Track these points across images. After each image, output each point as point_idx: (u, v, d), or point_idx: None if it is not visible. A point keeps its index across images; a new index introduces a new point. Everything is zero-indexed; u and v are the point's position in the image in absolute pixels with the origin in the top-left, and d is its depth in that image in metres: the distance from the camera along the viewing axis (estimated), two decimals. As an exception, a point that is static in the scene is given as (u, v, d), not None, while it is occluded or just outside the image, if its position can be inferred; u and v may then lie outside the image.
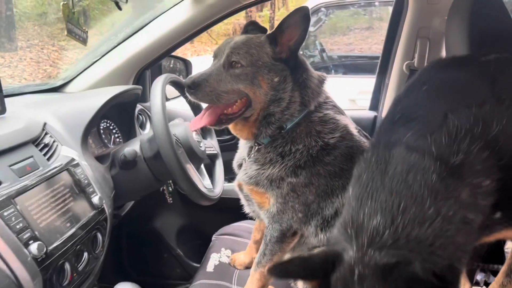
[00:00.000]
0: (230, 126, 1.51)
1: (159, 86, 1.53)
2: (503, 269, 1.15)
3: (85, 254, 1.29)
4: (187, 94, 1.43)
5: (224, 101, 1.40)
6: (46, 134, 1.41)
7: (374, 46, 7.55)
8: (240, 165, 1.56)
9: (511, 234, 1.04)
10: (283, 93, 1.41)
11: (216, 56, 1.47)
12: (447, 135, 0.92)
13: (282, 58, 1.41)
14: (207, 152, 1.79)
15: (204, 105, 1.52)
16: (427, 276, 0.76)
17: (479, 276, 1.83)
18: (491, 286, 1.18)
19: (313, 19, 5.38)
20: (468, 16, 1.41)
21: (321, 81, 1.49)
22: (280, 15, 10.86)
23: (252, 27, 1.60)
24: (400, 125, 1.02)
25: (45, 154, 1.33)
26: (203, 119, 1.45)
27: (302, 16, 1.35)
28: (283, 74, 1.41)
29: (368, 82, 3.77)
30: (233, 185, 1.65)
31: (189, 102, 1.85)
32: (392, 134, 1.01)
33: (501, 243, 1.48)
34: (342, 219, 0.95)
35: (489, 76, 1.06)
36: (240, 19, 10.09)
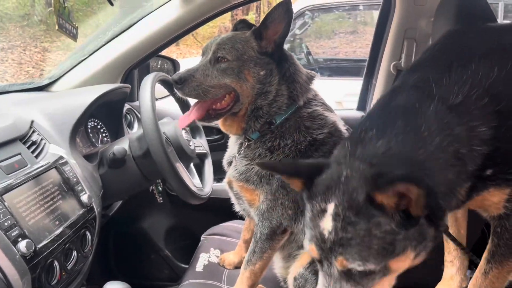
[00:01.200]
0: (220, 123, 1.52)
1: (148, 84, 1.53)
2: (484, 256, 1.16)
3: (74, 252, 1.27)
4: (175, 90, 1.44)
5: (211, 95, 1.42)
6: (33, 131, 1.40)
7: (359, 50, 7.64)
8: (230, 163, 1.57)
9: (497, 197, 1.06)
10: (269, 86, 1.43)
11: (203, 53, 1.49)
12: (449, 79, 0.99)
13: (267, 52, 1.44)
14: (196, 151, 1.78)
15: (192, 103, 1.53)
16: (417, 176, 0.80)
17: (467, 273, 1.86)
18: (474, 275, 1.19)
19: (298, 23, 5.42)
20: (453, 18, 1.44)
21: (310, 78, 1.51)
22: (266, 18, 10.85)
23: (242, 25, 1.62)
24: (406, 74, 1.11)
25: (33, 152, 1.32)
26: (191, 114, 1.46)
27: (284, 10, 1.38)
28: (269, 68, 1.43)
29: (353, 84, 3.82)
30: (222, 185, 1.65)
31: (178, 100, 1.84)
32: (401, 79, 1.09)
33: (487, 236, 1.50)
34: (343, 140, 1.03)
35: (495, 33, 1.15)
36: (226, 22, 10.10)
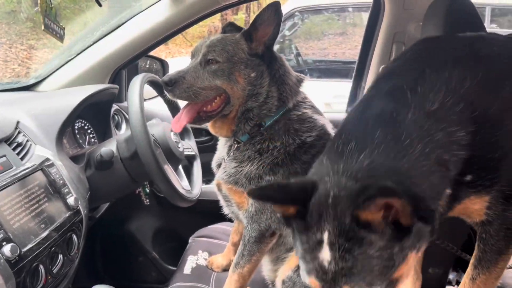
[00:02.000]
0: (209, 125, 1.52)
1: (137, 85, 1.52)
2: (471, 261, 1.17)
3: (60, 256, 1.25)
4: (165, 92, 1.43)
5: (202, 97, 1.41)
6: (19, 133, 1.37)
7: (348, 52, 7.67)
8: (219, 165, 1.56)
9: (478, 205, 1.06)
10: (260, 88, 1.43)
11: (193, 55, 1.49)
12: (423, 86, 0.98)
13: (258, 53, 1.44)
14: (185, 153, 1.77)
15: (182, 105, 1.52)
16: (404, 188, 0.77)
17: (451, 276, 1.88)
18: (462, 281, 1.20)
19: (288, 24, 5.43)
20: (442, 22, 1.45)
21: (300, 80, 1.51)
22: (255, 19, 10.85)
23: (230, 28, 1.61)
24: (380, 82, 1.09)
25: (18, 154, 1.30)
26: (182, 118, 1.45)
27: (274, 11, 1.38)
28: (260, 69, 1.43)
29: (341, 86, 3.84)
30: (211, 187, 1.64)
31: (167, 102, 1.83)
32: (374, 89, 1.08)
33: (472, 238, 1.52)
34: (321, 155, 0.97)
35: (467, 41, 1.15)
36: (215, 21, 10.06)
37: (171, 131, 1.69)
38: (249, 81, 1.42)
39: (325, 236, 0.82)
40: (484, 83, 1.01)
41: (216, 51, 1.41)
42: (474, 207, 1.08)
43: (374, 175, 0.84)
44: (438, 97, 0.96)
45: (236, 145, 1.48)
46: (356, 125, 0.98)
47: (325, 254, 0.82)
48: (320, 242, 0.83)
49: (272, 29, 1.41)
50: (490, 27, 4.94)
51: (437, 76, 1.00)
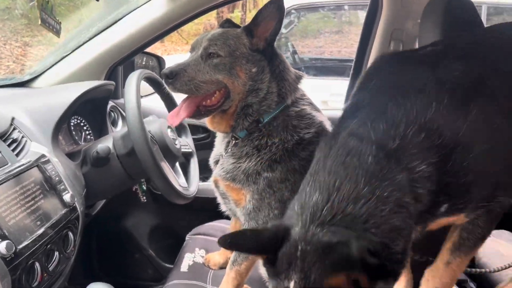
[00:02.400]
0: (207, 120, 1.50)
1: (133, 81, 1.50)
2: (447, 246, 1.17)
3: (56, 253, 1.24)
4: (165, 85, 1.41)
5: (203, 91, 1.40)
6: (14, 129, 1.36)
7: (344, 50, 7.67)
8: (216, 162, 1.55)
9: (454, 219, 1.08)
10: (261, 84, 1.42)
11: (193, 48, 1.47)
12: (386, 122, 0.98)
13: (259, 49, 1.43)
14: (182, 150, 1.76)
15: (179, 100, 1.50)
16: (362, 255, 0.81)
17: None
18: (433, 265, 1.20)
19: (285, 21, 5.42)
20: (440, 20, 1.45)
21: (298, 77, 1.51)
22: (251, 16, 10.84)
23: (227, 24, 1.60)
24: (349, 116, 1.09)
25: (13, 150, 1.28)
26: (181, 112, 1.43)
27: (276, 7, 1.38)
28: (261, 65, 1.42)
29: (338, 84, 3.84)
30: (208, 184, 1.63)
31: (164, 99, 1.82)
32: (342, 124, 1.08)
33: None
34: (294, 198, 1.01)
35: (429, 64, 1.13)
36: (211, 19, 10.02)
37: (168, 127, 1.68)
38: (250, 76, 1.41)
39: (291, 285, 0.87)
40: (450, 107, 1.00)
41: (218, 45, 1.39)
42: (451, 220, 1.09)
43: (337, 231, 0.87)
44: (399, 131, 0.96)
45: (234, 141, 1.47)
46: (321, 171, 0.99)
47: None
48: None
49: (274, 25, 1.40)
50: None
51: (398, 109, 1.00)
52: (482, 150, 1.01)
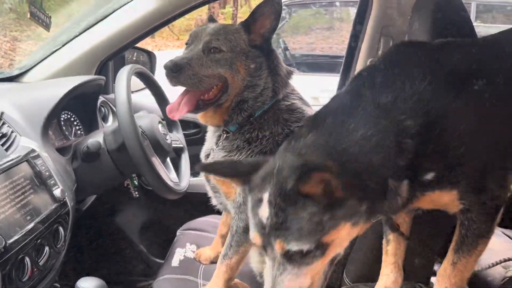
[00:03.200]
0: (199, 114, 1.50)
1: (124, 77, 1.50)
2: (451, 247, 1.18)
3: (46, 248, 1.24)
4: (167, 78, 1.40)
5: (206, 85, 1.41)
6: (3, 123, 1.35)
7: (335, 46, 7.69)
8: (207, 156, 1.56)
9: (447, 198, 1.09)
10: (258, 80, 1.44)
11: (192, 41, 1.46)
12: (381, 83, 1.06)
13: (257, 45, 1.44)
14: (173, 145, 1.76)
15: (173, 97, 1.50)
16: (332, 167, 0.87)
17: (436, 267, 1.90)
18: (442, 266, 1.22)
19: (276, 17, 5.42)
20: (430, 16, 1.46)
21: (289, 72, 1.53)
22: (243, 12, 10.83)
23: (212, 22, 1.60)
24: (352, 81, 1.18)
25: (3, 145, 1.28)
26: (183, 106, 1.44)
27: (274, 4, 1.39)
28: (259, 61, 1.44)
29: (329, 80, 3.85)
30: (199, 180, 1.64)
31: (154, 94, 1.82)
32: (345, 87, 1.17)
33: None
34: None
35: (435, 48, 1.19)
36: (202, 15, 9.98)
37: (159, 123, 1.68)
38: (249, 72, 1.43)
39: (265, 196, 0.93)
40: (445, 81, 1.06)
41: (220, 40, 1.40)
42: (443, 200, 1.10)
43: (313, 153, 0.95)
44: (393, 92, 1.03)
45: (225, 135, 1.48)
46: (316, 116, 1.09)
47: (264, 211, 0.93)
48: (260, 201, 0.94)
49: (272, 21, 1.42)
50: (475, 24, 4.99)
51: (396, 75, 1.06)
52: (470, 126, 1.04)
